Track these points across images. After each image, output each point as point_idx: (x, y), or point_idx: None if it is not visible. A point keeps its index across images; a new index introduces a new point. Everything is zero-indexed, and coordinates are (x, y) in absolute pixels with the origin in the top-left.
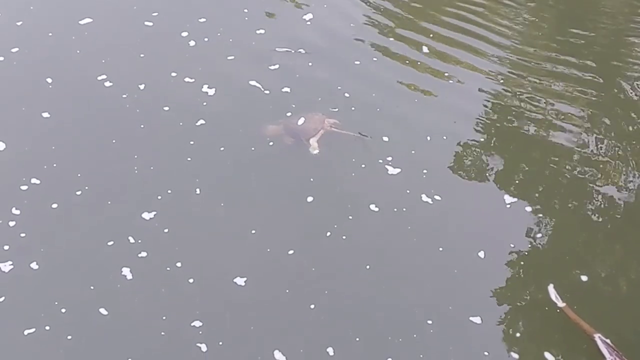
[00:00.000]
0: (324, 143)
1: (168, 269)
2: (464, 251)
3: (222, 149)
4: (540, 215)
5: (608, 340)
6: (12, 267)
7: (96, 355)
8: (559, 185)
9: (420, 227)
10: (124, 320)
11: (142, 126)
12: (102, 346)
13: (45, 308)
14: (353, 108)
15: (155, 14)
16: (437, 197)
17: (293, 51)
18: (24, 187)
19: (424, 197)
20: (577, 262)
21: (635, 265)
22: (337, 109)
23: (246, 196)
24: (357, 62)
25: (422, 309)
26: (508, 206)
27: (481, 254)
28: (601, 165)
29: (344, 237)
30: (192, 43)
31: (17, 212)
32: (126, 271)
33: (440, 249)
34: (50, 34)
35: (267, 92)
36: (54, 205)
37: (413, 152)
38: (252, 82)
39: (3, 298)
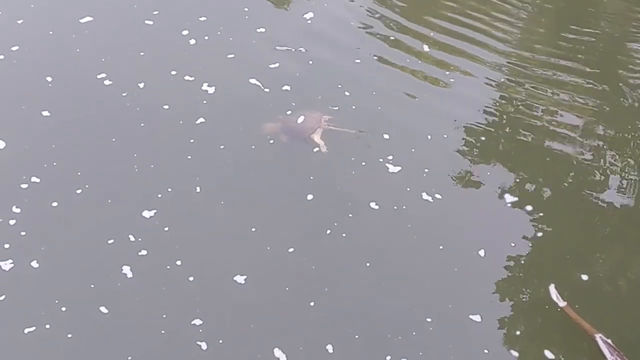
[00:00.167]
0: (324, 141)
1: (168, 267)
2: (464, 250)
3: (222, 147)
4: (541, 214)
5: (609, 341)
6: (12, 265)
7: (96, 354)
8: (559, 184)
9: (420, 226)
10: (124, 319)
11: (142, 124)
12: (103, 344)
13: (45, 306)
14: (354, 107)
15: (155, 12)
16: (437, 196)
17: (293, 50)
18: (24, 186)
19: (425, 196)
20: (577, 261)
21: (636, 265)
22: (337, 108)
23: (246, 194)
24: (358, 61)
25: (421, 307)
26: (508, 205)
27: (481, 253)
28: (602, 165)
29: (344, 235)
30: (192, 41)
31: (18, 210)
32: (126, 269)
33: (441, 247)
34: (50, 33)
35: (267, 90)
36: (54, 204)
37: (413, 150)
38: (252, 81)
39: (3, 296)
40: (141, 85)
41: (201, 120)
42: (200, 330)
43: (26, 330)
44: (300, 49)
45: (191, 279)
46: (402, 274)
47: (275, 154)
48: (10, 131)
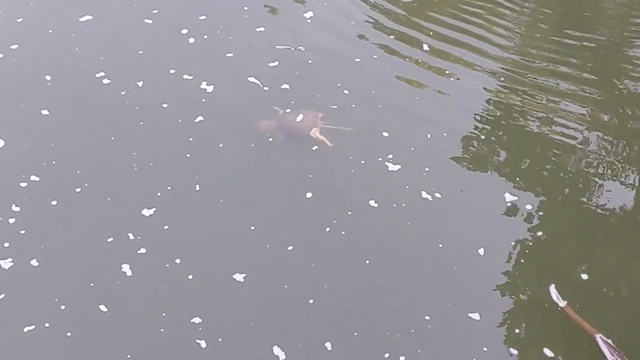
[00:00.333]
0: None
1: (168, 265)
2: (463, 248)
3: (221, 145)
4: (541, 213)
5: (609, 341)
6: (12, 264)
7: (96, 352)
8: (560, 183)
9: (420, 224)
10: (124, 317)
11: (141, 123)
12: (102, 343)
13: (45, 305)
14: (353, 105)
15: (155, 11)
16: (437, 194)
17: (293, 49)
18: (23, 184)
19: (424, 194)
20: (577, 260)
21: (637, 265)
22: (336, 106)
23: (245, 193)
24: (357, 59)
25: (420, 304)
26: (508, 204)
27: (481, 251)
28: (602, 165)
29: (343, 234)
30: (191, 40)
31: (17, 209)
32: (126, 268)
33: (440, 246)
34: (50, 31)
35: (266, 89)
36: (54, 203)
37: (413, 148)
38: (251, 79)
39: (3, 295)
40: (140, 84)
41: (200, 118)
42: (200, 329)
43: (26, 329)
44: (300, 48)
45: (190, 277)
46: (401, 272)
47: (275, 152)
48: (9, 130)
